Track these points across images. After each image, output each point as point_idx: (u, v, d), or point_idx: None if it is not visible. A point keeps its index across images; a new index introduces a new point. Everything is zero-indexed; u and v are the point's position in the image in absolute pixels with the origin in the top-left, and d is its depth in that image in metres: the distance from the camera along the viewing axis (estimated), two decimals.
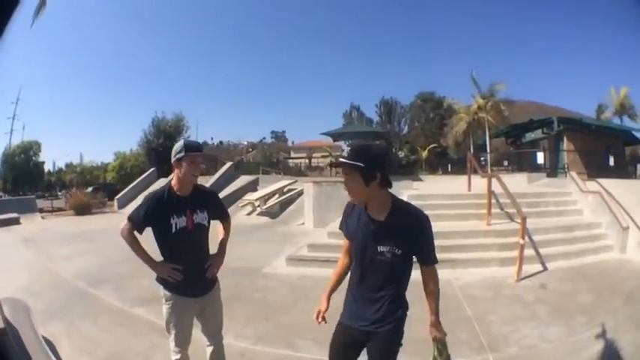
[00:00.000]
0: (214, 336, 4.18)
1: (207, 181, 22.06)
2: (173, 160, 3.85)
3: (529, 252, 8.49)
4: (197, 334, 4.10)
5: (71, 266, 9.68)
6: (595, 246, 9.50)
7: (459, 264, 8.38)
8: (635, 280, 7.68)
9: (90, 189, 35.18)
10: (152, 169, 29.21)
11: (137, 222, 3.84)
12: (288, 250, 10.39)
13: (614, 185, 11.76)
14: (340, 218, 3.35)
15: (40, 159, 49.13)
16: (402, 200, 3.15)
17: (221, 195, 21.18)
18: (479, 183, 12.21)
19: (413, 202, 8.88)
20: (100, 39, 78.97)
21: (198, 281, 3.93)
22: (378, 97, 49.34)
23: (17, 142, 48.44)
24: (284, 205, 17.40)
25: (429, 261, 3.11)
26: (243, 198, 18.96)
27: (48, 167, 53.81)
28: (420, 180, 22.17)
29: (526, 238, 8.28)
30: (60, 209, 27.78)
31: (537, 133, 24.94)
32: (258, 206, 17.73)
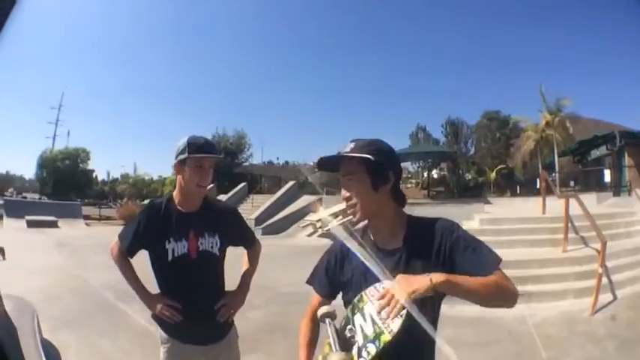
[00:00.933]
0: None
1: (267, 200, 21.98)
2: (174, 162, 3.00)
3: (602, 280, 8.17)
4: None
5: (102, 275, 8.50)
6: None
7: (535, 297, 7.97)
8: None
9: (146, 202, 35.58)
10: (212, 185, 28.58)
11: (125, 243, 3.05)
12: None
13: None
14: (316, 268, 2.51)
15: (89, 167, 48.78)
16: (417, 217, 2.20)
17: (282, 214, 21.48)
18: (551, 205, 11.83)
19: (486, 227, 9.78)
20: (163, 50, 79.36)
21: (205, 325, 2.99)
22: (444, 118, 48.90)
23: (61, 148, 47.98)
24: (347, 228, 17.04)
25: (492, 266, 1.95)
26: (305, 218, 18.79)
27: (102, 177, 53.48)
28: (490, 203, 21.11)
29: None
30: (109, 218, 28.07)
31: (602, 150, 24.34)
32: (320, 227, 17.46)
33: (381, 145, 2.18)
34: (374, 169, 2.09)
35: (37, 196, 42.74)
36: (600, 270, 7.66)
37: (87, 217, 24.77)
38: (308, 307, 2.47)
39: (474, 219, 10.88)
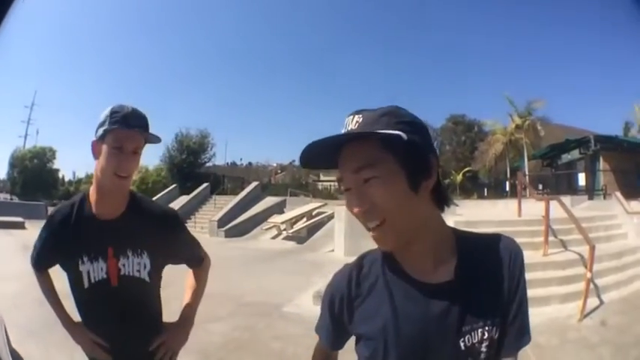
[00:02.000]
0: None
1: (230, 201, 21.76)
2: (93, 140, 2.11)
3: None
4: None
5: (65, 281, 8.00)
6: None
7: None
8: None
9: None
10: (174, 186, 29.23)
11: (32, 260, 2.35)
12: (316, 284, 8.47)
13: None
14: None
15: (55, 166, 47.76)
16: (469, 232, 1.48)
17: (244, 217, 21.24)
18: (526, 207, 11.71)
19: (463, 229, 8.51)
20: (129, 46, 79.41)
21: None
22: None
23: (29, 147, 47.53)
24: (312, 230, 16.78)
25: (524, 340, 1.39)
26: (269, 220, 18.64)
27: (68, 177, 52.89)
28: (456, 205, 20.69)
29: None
30: None
31: (574, 154, 24.32)
32: (284, 230, 17.19)
33: (410, 116, 1.33)
34: (410, 156, 1.26)
35: (8, 196, 42.42)
36: (589, 275, 7.33)
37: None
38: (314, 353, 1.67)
39: (447, 221, 10.14)
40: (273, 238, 17.31)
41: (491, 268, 1.36)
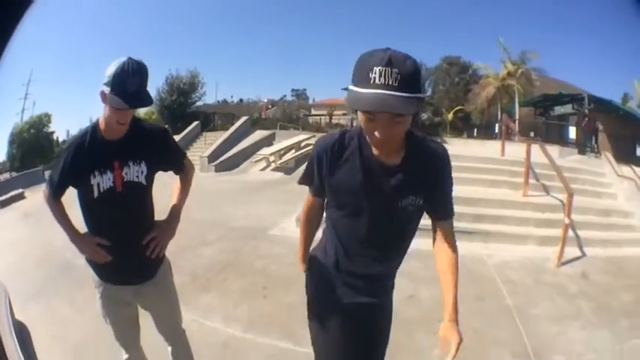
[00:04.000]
0: (168, 337, 3.15)
1: (220, 137, 21.71)
2: (101, 90, 2.53)
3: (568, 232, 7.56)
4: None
5: (63, 233, 8.03)
6: (631, 238, 8.55)
7: (493, 237, 7.52)
8: None
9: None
10: (165, 127, 28.36)
11: (52, 185, 2.76)
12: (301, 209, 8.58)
13: None
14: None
15: (51, 130, 47.47)
16: (416, 133, 2.21)
17: (234, 151, 21.15)
18: (512, 151, 11.37)
19: None
20: None
21: (135, 263, 2.79)
22: None
23: (27, 119, 47.07)
24: (300, 161, 16.66)
25: (450, 213, 2.29)
26: (258, 153, 18.48)
27: (62, 137, 52.14)
28: (445, 142, 20.81)
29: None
30: None
31: (567, 108, 23.85)
32: (273, 161, 17.11)
33: (419, 68, 1.92)
34: (420, 104, 1.90)
35: (8, 175, 41.96)
36: (567, 220, 7.07)
37: None
38: (305, 207, 2.62)
39: None
40: (262, 169, 17.03)
41: (425, 160, 2.15)
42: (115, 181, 2.64)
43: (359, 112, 1.94)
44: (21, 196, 19.24)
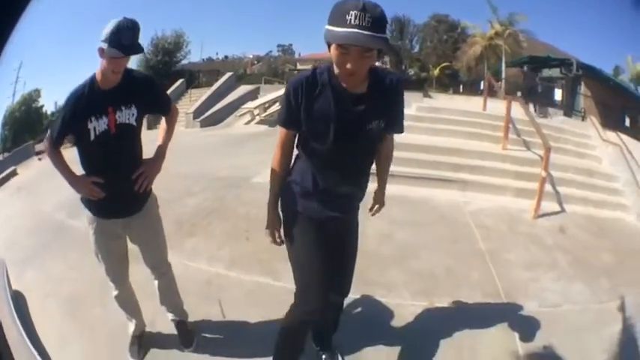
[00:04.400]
0: (156, 268, 3.48)
1: (204, 94, 21.55)
2: (99, 46, 2.93)
3: (546, 187, 7.50)
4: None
5: (55, 198, 7.85)
6: (613, 201, 8.40)
7: (471, 186, 7.51)
8: None
9: None
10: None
11: (53, 134, 3.08)
12: None
13: (634, 146, 10.99)
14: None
15: (40, 104, 47.02)
16: (377, 67, 2.66)
17: (218, 106, 20.96)
18: (495, 107, 11.24)
19: (423, 114, 9.44)
20: None
21: (124, 197, 3.15)
22: (389, 15, 49.47)
23: (18, 99, 46.63)
24: None
25: (402, 128, 2.88)
26: (242, 107, 18.36)
27: (51, 110, 51.72)
28: (430, 97, 20.87)
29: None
30: None
31: (555, 72, 23.18)
32: (257, 114, 16.99)
33: (385, 16, 2.34)
34: (385, 43, 2.31)
35: (1, 157, 41.52)
36: (544, 174, 7.01)
37: (39, 153, 24.06)
38: (279, 143, 2.93)
39: (411, 106, 10.15)
40: (247, 123, 16.88)
41: (386, 88, 2.62)
42: (109, 124, 2.97)
43: (332, 49, 2.35)
44: (14, 174, 19.05)
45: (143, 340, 3.64)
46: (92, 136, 2.95)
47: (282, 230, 2.96)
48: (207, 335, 3.83)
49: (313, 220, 2.83)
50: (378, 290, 4.46)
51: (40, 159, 23.27)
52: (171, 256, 3.54)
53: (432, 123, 9.42)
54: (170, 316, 3.68)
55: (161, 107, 3.36)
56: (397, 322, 4.14)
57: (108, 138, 2.98)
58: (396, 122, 2.80)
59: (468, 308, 4.41)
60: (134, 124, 3.08)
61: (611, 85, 20.75)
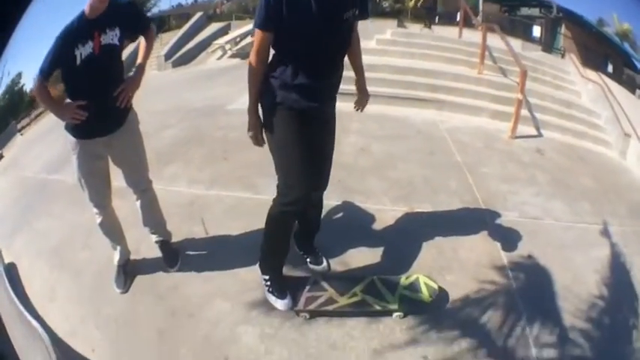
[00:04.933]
0: (137, 185, 3.56)
1: (175, 35, 21.30)
2: None
3: (523, 113, 7.36)
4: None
5: (37, 163, 7.57)
6: (593, 134, 8.14)
7: (447, 106, 7.36)
8: (638, 194, 6.35)
9: None
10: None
11: (43, 66, 3.07)
12: None
13: (616, 89, 10.91)
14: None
15: (21, 84, 46.91)
16: None
17: (190, 45, 20.71)
18: (471, 36, 10.97)
19: (398, 39, 9.59)
20: None
21: (107, 114, 3.24)
22: None
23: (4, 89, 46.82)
24: None
25: (367, 13, 3.03)
26: (214, 42, 18.09)
27: (30, 88, 51.83)
28: (405, 27, 20.73)
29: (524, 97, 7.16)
30: (39, 114, 26.65)
31: (534, 11, 23.03)
32: (229, 49, 16.80)
33: None
34: None
35: None
36: (520, 96, 6.90)
37: (21, 129, 23.85)
38: (255, 50, 2.95)
39: (385, 32, 9.95)
40: (219, 58, 16.83)
41: None
42: (94, 46, 3.02)
43: None
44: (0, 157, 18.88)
45: (128, 269, 3.66)
46: (78, 61, 3.00)
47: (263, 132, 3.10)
48: (191, 253, 3.88)
49: (293, 109, 2.92)
50: (357, 197, 4.52)
51: (22, 134, 23.63)
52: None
53: (407, 47, 9.34)
54: (154, 237, 3.72)
55: (142, 27, 3.52)
56: (378, 225, 4.21)
57: (92, 60, 3.03)
58: (364, 8, 2.95)
59: (448, 214, 4.44)
60: (117, 43, 3.16)
61: (593, 32, 20.55)
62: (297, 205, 3.04)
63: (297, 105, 2.91)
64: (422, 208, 4.47)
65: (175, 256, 3.70)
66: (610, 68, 18.75)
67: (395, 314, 3.27)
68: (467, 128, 6.85)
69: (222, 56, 16.56)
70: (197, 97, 9.19)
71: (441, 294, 3.45)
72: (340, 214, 4.31)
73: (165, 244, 3.73)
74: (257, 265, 3.39)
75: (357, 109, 3.48)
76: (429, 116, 6.87)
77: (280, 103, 2.94)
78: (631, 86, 14.23)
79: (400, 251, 3.87)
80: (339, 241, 3.88)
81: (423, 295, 3.39)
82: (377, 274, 3.57)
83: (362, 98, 3.41)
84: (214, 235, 4.10)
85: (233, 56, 15.79)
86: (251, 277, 3.47)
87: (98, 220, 3.46)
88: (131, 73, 3.43)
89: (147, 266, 3.73)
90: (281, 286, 3.30)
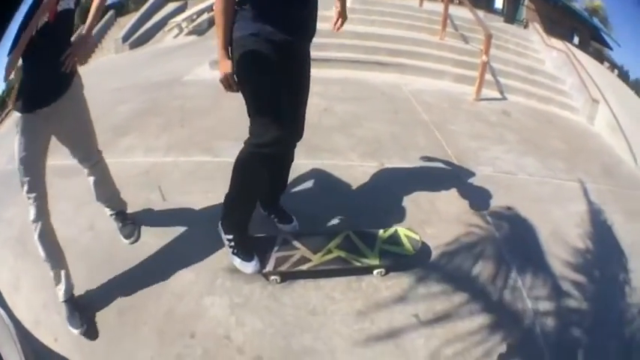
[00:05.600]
0: (88, 159, 3.24)
1: (131, 19, 21.03)
2: None
3: (487, 77, 7.28)
4: None
5: (4, 156, 7.86)
6: (559, 100, 8.24)
7: (409, 70, 7.25)
8: (609, 157, 6.38)
9: None
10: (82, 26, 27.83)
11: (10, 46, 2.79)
12: (215, 56, 8.53)
13: (583, 57, 10.85)
14: None
15: None
16: None
17: (146, 26, 20.45)
18: (432, 5, 10.85)
19: (357, 6, 8.75)
20: None
21: (52, 80, 2.96)
22: None
23: None
24: (213, 21, 16.23)
25: None
26: (170, 21, 17.84)
27: None
28: None
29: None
30: (8, 113, 27.03)
31: None
32: (186, 27, 16.61)
33: None
34: None
35: None
36: (485, 58, 6.76)
37: None
38: None
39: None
40: (175, 37, 16.66)
41: None
42: (49, 15, 2.77)
43: None
44: None
45: (77, 300, 3.10)
46: (34, 32, 2.74)
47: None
48: (149, 223, 3.58)
49: (269, 43, 2.67)
50: (323, 154, 4.33)
51: None
52: (105, 157, 3.31)
53: (367, 15, 9.02)
54: (108, 211, 3.47)
55: None
56: (349, 182, 4.01)
57: (47, 28, 2.79)
58: None
59: (420, 169, 4.30)
60: (72, 7, 2.97)
61: (558, 6, 20.57)
62: (274, 147, 2.78)
63: (274, 37, 2.67)
64: (392, 164, 4.30)
65: (132, 227, 3.45)
66: (576, 40, 18.79)
67: (376, 271, 3.03)
68: (430, 91, 6.70)
69: (178, 34, 16.34)
70: (153, 73, 8.95)
71: (424, 247, 3.22)
72: (306, 173, 4.06)
73: (120, 215, 3.47)
74: (219, 225, 3.10)
75: (336, 29, 3.21)
76: (391, 79, 6.73)
77: (255, 34, 2.67)
78: (598, 58, 14.26)
79: (374, 207, 3.66)
80: (308, 201, 3.68)
81: (405, 248, 3.14)
82: (350, 229, 3.32)
83: (341, 20, 3.16)
84: (172, 202, 3.81)
85: (190, 34, 15.60)
86: (214, 242, 3.19)
87: (37, 228, 3.06)
88: (77, 35, 3.20)
89: (104, 241, 3.41)
90: (247, 246, 3.03)
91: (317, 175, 4.06)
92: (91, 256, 3.28)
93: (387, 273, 3.05)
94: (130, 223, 3.47)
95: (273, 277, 2.97)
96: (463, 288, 3.05)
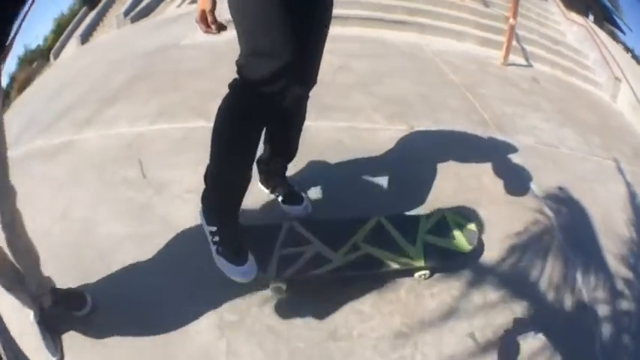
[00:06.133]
0: None
1: None
2: None
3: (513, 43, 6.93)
4: None
5: None
6: (583, 74, 7.38)
7: (429, 30, 6.74)
8: (631, 137, 5.63)
9: None
10: (84, 9, 27.92)
11: None
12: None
13: (602, 35, 10.57)
14: None
15: None
16: None
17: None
18: None
19: None
20: None
21: None
22: None
23: None
24: None
25: None
26: None
27: None
28: None
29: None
30: None
31: None
32: None
33: None
34: None
35: None
36: (512, 21, 6.33)
37: None
38: None
39: None
40: (179, 6, 16.48)
41: None
42: None
43: None
44: None
45: (49, 321, 2.34)
46: None
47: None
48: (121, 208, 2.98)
49: None
50: (340, 115, 3.69)
51: None
52: (89, 130, 3.33)
53: None
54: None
55: None
56: (372, 148, 3.30)
57: None
58: None
59: (456, 134, 3.71)
60: None
61: None
62: (276, 85, 1.92)
63: None
64: (423, 127, 3.66)
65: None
66: (591, 18, 18.38)
67: (418, 273, 2.31)
68: (454, 52, 6.21)
69: (181, 4, 15.97)
70: (150, 41, 8.57)
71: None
72: (318, 138, 3.30)
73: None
74: (199, 212, 2.29)
75: None
76: (411, 39, 6.28)
77: None
78: (612, 39, 13.68)
79: (407, 181, 2.98)
80: (322, 175, 2.92)
81: (457, 243, 2.40)
82: (382, 213, 2.55)
83: None
84: (153, 181, 3.19)
85: (192, 2, 15.18)
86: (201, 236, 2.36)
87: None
88: None
89: (72, 235, 2.73)
90: (238, 241, 2.18)
91: (332, 140, 3.36)
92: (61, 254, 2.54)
93: (430, 275, 2.35)
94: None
95: (276, 286, 2.21)
96: (524, 295, 2.40)
